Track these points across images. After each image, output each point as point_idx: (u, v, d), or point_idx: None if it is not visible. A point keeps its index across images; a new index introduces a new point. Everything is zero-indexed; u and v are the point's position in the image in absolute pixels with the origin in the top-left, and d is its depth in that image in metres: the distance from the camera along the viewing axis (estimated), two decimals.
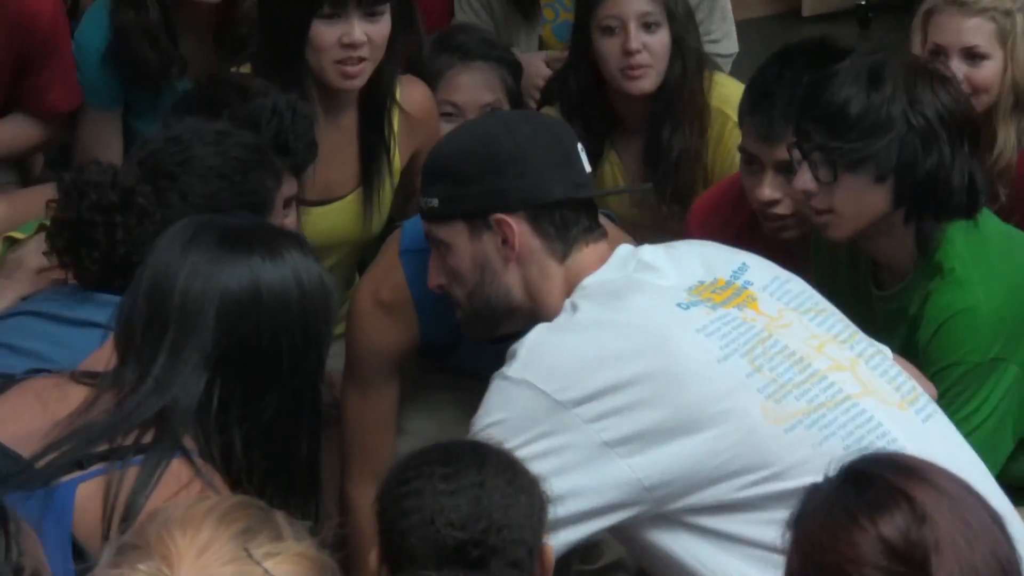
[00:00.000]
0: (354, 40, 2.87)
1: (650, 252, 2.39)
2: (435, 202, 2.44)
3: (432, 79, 3.21)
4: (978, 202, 2.62)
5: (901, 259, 2.66)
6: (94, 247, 2.43)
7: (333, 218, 3.06)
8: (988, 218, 2.70)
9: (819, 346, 2.32)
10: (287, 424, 2.00)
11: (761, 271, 2.43)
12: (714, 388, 2.19)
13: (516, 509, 1.87)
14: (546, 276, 2.40)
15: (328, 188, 2.99)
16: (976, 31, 3.05)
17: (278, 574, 1.31)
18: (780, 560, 1.82)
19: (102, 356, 2.15)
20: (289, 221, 2.64)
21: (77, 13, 3.53)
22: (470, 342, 2.66)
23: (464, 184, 2.40)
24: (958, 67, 2.99)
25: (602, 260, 2.36)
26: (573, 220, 2.39)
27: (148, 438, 1.91)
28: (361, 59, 2.89)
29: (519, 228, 2.37)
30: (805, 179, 2.59)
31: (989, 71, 3.04)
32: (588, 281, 2.32)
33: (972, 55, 3.04)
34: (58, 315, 2.49)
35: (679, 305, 2.25)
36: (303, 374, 2.04)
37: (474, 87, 3.26)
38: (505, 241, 2.37)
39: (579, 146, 2.45)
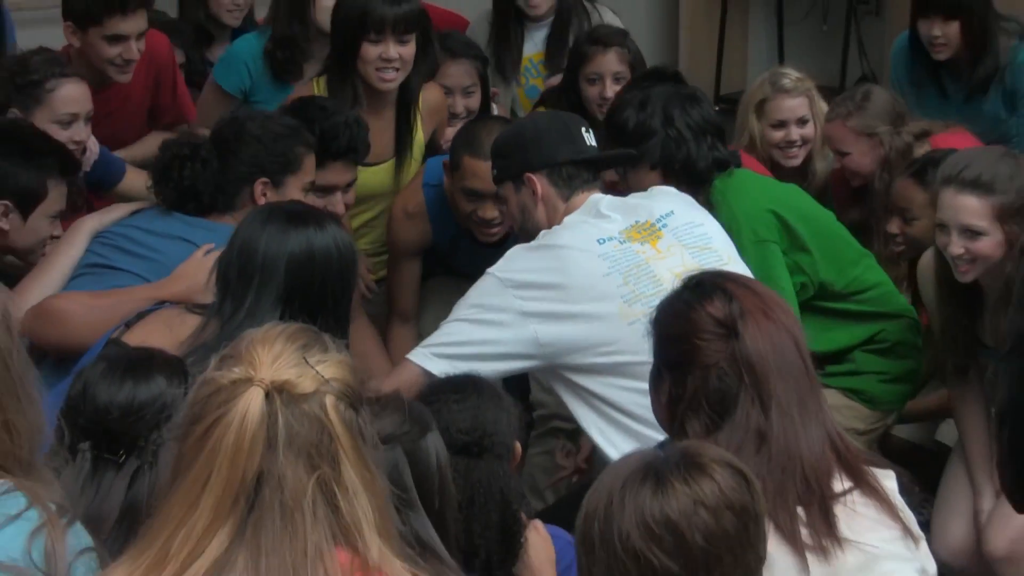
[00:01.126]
0: (389, 56, 4.32)
1: (607, 202, 3.68)
2: (495, 172, 3.83)
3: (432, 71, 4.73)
4: (722, 168, 4.13)
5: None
6: (171, 181, 3.78)
7: (378, 175, 4.52)
8: (741, 172, 4.21)
9: (680, 273, 3.19)
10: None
11: (682, 216, 3.71)
12: (593, 292, 3.49)
13: (500, 422, 2.84)
14: (555, 211, 3.71)
15: (374, 155, 4.37)
16: (800, 106, 4.87)
17: (325, 373, 1.94)
18: (623, 420, 3.40)
19: (187, 273, 3.54)
20: (348, 198, 4.15)
21: (245, 27, 5.47)
22: (463, 248, 4.41)
23: (505, 159, 3.77)
24: (795, 130, 4.85)
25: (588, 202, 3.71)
26: (575, 174, 3.71)
27: None
28: (395, 70, 4.34)
29: (540, 182, 3.70)
30: (611, 172, 4.16)
31: (810, 129, 4.88)
32: (569, 217, 3.64)
33: (801, 121, 4.86)
34: (150, 229, 3.81)
35: (598, 241, 3.54)
36: (339, 304, 3.20)
37: (458, 75, 4.88)
38: (533, 192, 3.68)
39: (584, 128, 3.76)
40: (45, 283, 3.90)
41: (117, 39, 4.62)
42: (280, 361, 2.01)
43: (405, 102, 4.57)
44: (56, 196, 4.05)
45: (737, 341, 2.74)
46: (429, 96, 4.66)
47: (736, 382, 2.74)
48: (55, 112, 4.33)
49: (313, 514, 1.98)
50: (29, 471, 2.33)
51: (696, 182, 4.11)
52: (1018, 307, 3.13)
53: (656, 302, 3.06)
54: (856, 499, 2.76)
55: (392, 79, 4.44)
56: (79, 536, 2.32)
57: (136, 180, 4.56)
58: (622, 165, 4.20)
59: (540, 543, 3.10)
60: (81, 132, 4.38)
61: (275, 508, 1.98)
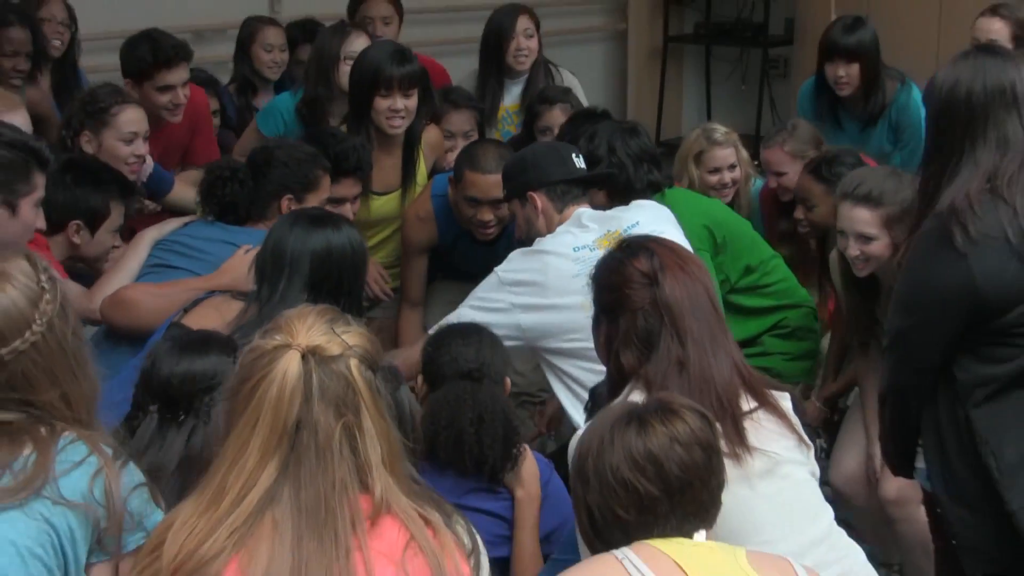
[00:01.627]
0: (397, 108, 4.98)
1: (588, 214, 4.27)
2: (504, 192, 4.46)
3: (436, 117, 5.49)
4: (656, 190, 4.76)
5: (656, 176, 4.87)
6: (215, 197, 4.40)
7: (389, 202, 5.21)
8: (673, 191, 4.89)
9: None
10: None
11: (647, 226, 4.15)
12: (563, 289, 4.05)
13: (496, 358, 3.55)
14: (552, 221, 4.29)
15: (384, 186, 5.12)
16: (730, 155, 5.52)
17: (349, 341, 2.29)
18: (582, 392, 3.78)
19: (232, 268, 4.07)
20: (355, 207, 4.73)
21: (283, 79, 6.37)
22: (462, 246, 5.02)
23: (512, 180, 4.38)
24: (728, 174, 5.49)
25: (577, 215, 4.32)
26: (567, 191, 4.31)
27: None
28: (401, 118, 5.00)
29: (540, 198, 4.30)
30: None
31: (738, 172, 5.52)
32: (560, 227, 4.27)
33: (731, 167, 5.50)
34: (199, 235, 4.40)
35: (573, 248, 4.13)
36: (354, 290, 3.73)
37: (460, 121, 5.62)
38: (535, 206, 4.28)
39: (574, 153, 4.39)
40: (116, 282, 4.39)
41: (166, 89, 5.30)
42: (313, 330, 2.31)
43: (409, 143, 5.18)
44: (116, 214, 4.55)
45: (658, 289, 3.15)
46: (429, 136, 5.29)
47: (658, 322, 3.14)
48: (120, 132, 4.85)
49: (340, 453, 2.27)
50: (87, 429, 2.59)
51: (624, 196, 4.72)
52: (893, 310, 3.69)
53: None
54: (760, 416, 3.16)
55: (399, 125, 5.06)
56: (132, 474, 2.61)
57: (183, 191, 5.19)
58: (602, 183, 4.72)
59: (528, 460, 3.56)
60: (140, 147, 4.90)
61: (311, 448, 2.27)
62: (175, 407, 3.06)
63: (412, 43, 5.83)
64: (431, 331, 3.91)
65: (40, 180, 3.85)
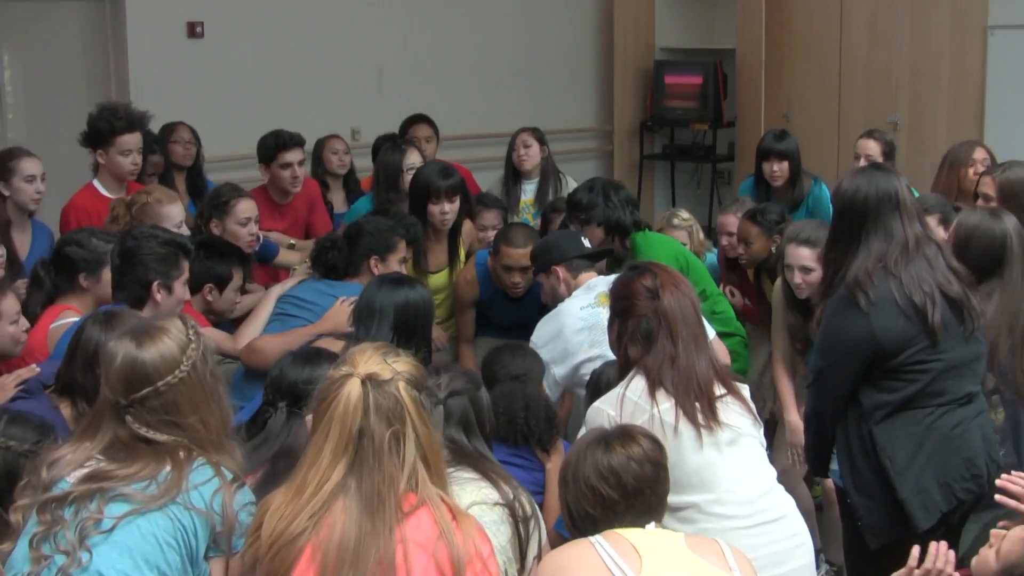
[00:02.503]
0: (444, 211, 5.85)
1: (593, 280, 4.96)
2: (535, 267, 5.22)
3: (472, 214, 6.39)
4: (639, 228, 5.57)
5: (618, 251, 5.62)
6: (321, 261, 5.26)
7: (440, 278, 5.95)
8: (649, 232, 5.71)
9: None
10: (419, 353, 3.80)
11: None
12: (574, 340, 4.77)
13: (535, 367, 4.38)
14: (570, 287, 5.02)
15: (437, 265, 5.94)
16: (683, 236, 6.22)
17: (398, 368, 2.72)
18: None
19: (334, 315, 4.86)
20: (404, 266, 5.36)
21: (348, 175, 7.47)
22: (498, 303, 5.71)
23: (540, 259, 5.15)
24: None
25: (589, 279, 5.00)
26: (580, 264, 5.07)
27: None
28: (448, 218, 5.86)
29: (561, 270, 5.05)
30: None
31: (689, 247, 6.08)
32: (574, 292, 4.96)
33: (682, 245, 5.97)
34: (311, 290, 5.17)
35: (580, 307, 4.85)
36: (425, 334, 4.37)
37: (491, 217, 6.52)
38: (557, 277, 5.04)
39: (582, 236, 5.26)
40: (252, 328, 5.09)
41: (286, 166, 6.46)
42: (370, 361, 2.73)
43: (453, 233, 6.00)
44: (237, 278, 5.19)
45: (658, 301, 3.68)
46: (465, 228, 6.16)
47: (657, 325, 3.67)
48: (237, 218, 5.64)
49: (389, 454, 2.66)
50: (219, 449, 2.97)
51: (624, 234, 5.59)
52: (815, 354, 4.23)
53: (600, 346, 4.45)
54: (728, 399, 3.68)
55: (447, 223, 5.91)
56: (245, 495, 2.96)
57: (286, 256, 6.11)
58: (605, 257, 5.41)
59: (558, 442, 4.09)
60: (254, 228, 5.70)
61: (369, 451, 2.65)
62: (299, 403, 3.47)
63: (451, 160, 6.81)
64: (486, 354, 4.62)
65: (186, 265, 4.52)
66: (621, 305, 3.80)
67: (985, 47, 9.32)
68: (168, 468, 2.88)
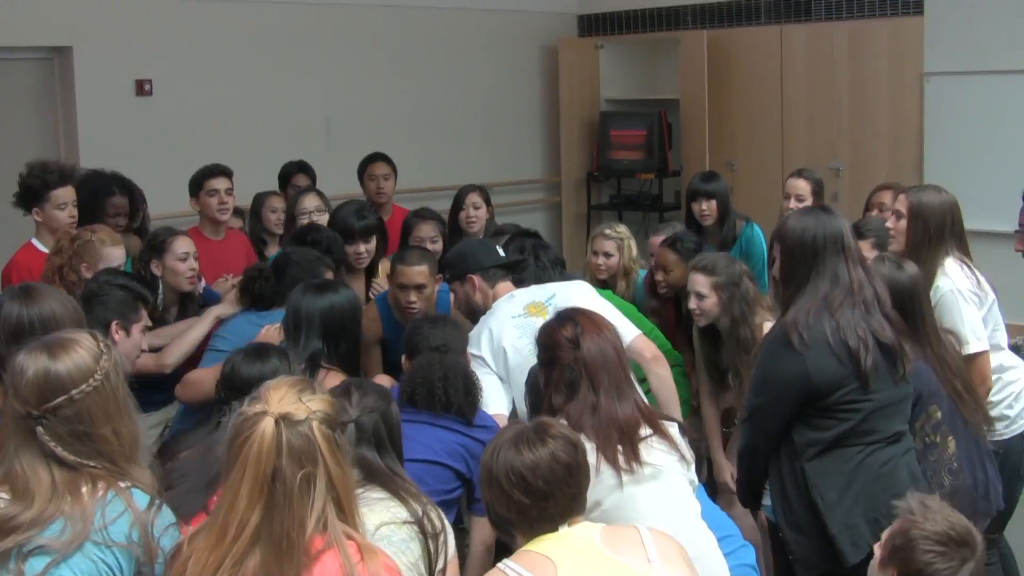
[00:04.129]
0: (359, 251, 5.94)
1: (520, 291, 4.97)
2: (446, 275, 5.20)
3: (407, 232, 6.42)
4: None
5: None
6: (248, 293, 5.31)
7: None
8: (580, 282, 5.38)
9: None
10: (350, 355, 4.57)
11: (562, 297, 4.83)
12: (509, 346, 4.69)
13: (457, 338, 4.46)
14: (486, 296, 5.01)
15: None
16: (611, 247, 6.39)
17: (312, 407, 2.68)
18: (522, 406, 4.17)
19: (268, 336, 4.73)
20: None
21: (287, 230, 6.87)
22: (397, 334, 5.12)
23: (454, 267, 5.12)
24: (603, 259, 6.34)
25: (507, 291, 5.03)
26: (495, 273, 5.05)
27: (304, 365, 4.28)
28: (363, 257, 5.97)
29: (477, 279, 5.03)
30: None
31: (615, 261, 6.37)
32: (495, 303, 4.95)
33: (607, 254, 6.39)
34: (239, 323, 5.21)
35: (512, 316, 4.81)
36: (353, 334, 4.60)
37: (426, 229, 6.34)
38: (472, 286, 5.02)
39: (499, 247, 5.20)
40: (179, 347, 5.26)
41: (213, 193, 6.62)
42: (284, 400, 2.69)
43: (369, 273, 6.10)
44: (143, 315, 4.84)
45: (579, 350, 3.77)
46: (382, 268, 6.12)
47: (578, 375, 3.75)
48: (175, 254, 5.65)
49: (299, 495, 2.63)
50: (131, 462, 2.95)
51: None
52: (750, 391, 4.30)
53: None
54: (653, 440, 3.75)
55: (362, 262, 6.01)
56: (165, 516, 2.92)
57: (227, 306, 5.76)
58: (518, 266, 5.28)
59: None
60: (193, 264, 5.68)
61: (282, 494, 2.61)
62: None
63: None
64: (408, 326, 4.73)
65: (144, 314, 4.62)
66: (545, 355, 3.87)
67: (922, 93, 9.54)
68: (69, 501, 2.85)
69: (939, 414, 4.47)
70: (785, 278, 4.18)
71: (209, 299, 5.91)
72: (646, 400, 3.91)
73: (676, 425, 3.90)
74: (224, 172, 6.77)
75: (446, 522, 3.39)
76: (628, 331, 4.90)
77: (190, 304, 5.72)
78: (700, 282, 5.31)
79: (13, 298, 3.96)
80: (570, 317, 3.88)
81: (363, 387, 3.59)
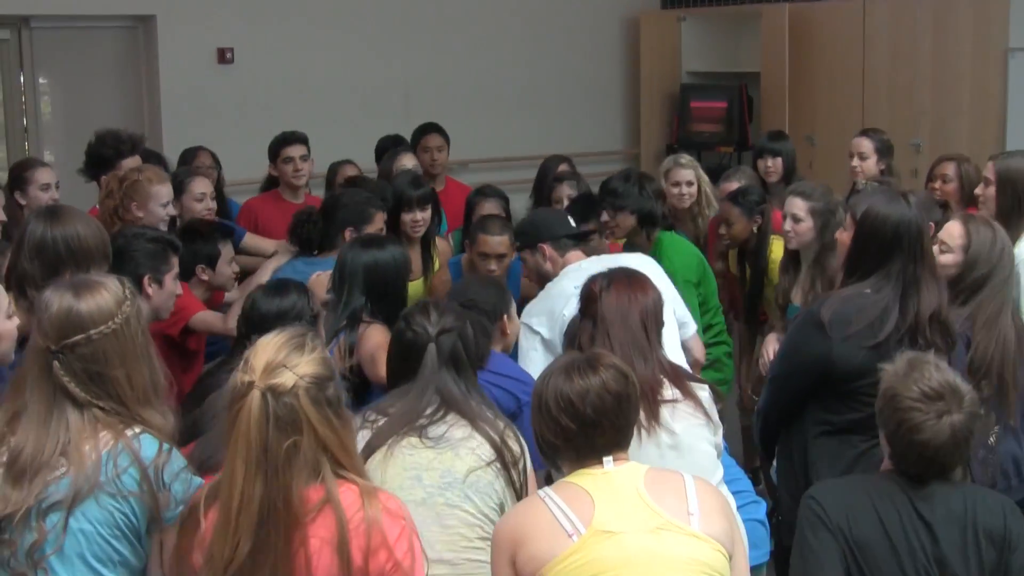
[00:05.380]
0: (416, 219, 5.95)
1: (586, 261, 4.98)
2: (518, 243, 5.30)
3: (471, 211, 6.39)
4: (665, 222, 5.93)
5: (642, 243, 5.86)
6: (297, 236, 5.54)
7: (415, 286, 5.73)
8: (675, 235, 6.02)
9: None
10: (393, 312, 4.25)
11: (624, 264, 4.50)
12: (570, 316, 4.38)
13: (491, 300, 4.35)
14: (556, 265, 5.05)
15: (412, 274, 5.51)
16: (690, 173, 6.67)
17: (299, 372, 2.72)
18: None
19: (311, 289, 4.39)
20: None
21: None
22: None
23: (526, 235, 5.21)
24: (685, 188, 6.62)
25: (576, 259, 5.07)
26: (567, 243, 5.12)
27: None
28: (419, 225, 5.95)
29: (547, 248, 5.10)
30: (606, 217, 5.92)
31: (695, 189, 6.65)
32: (563, 271, 4.97)
33: (689, 183, 6.65)
34: (292, 267, 5.30)
35: (576, 287, 4.35)
36: (397, 292, 4.58)
37: (490, 207, 6.26)
38: (543, 255, 5.08)
39: (569, 217, 5.30)
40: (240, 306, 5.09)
41: (288, 160, 6.87)
42: (269, 369, 2.73)
43: (426, 243, 6.09)
44: (226, 251, 5.45)
45: (598, 304, 3.88)
46: (440, 246, 6.25)
47: (598, 328, 3.86)
48: (192, 195, 6.05)
49: (285, 462, 2.70)
50: (144, 406, 3.02)
51: (653, 224, 5.88)
52: (777, 355, 4.45)
53: None
54: (679, 403, 3.80)
55: (418, 231, 6.00)
56: (176, 461, 3.00)
57: (255, 241, 6.23)
58: (611, 212, 5.74)
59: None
60: (210, 204, 6.06)
61: (275, 462, 2.69)
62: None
63: (476, 183, 7.10)
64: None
65: (175, 260, 4.71)
66: (582, 306, 3.99)
67: (1006, 69, 9.42)
68: (78, 444, 2.94)
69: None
70: (851, 262, 4.20)
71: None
72: (675, 363, 3.94)
73: (707, 388, 3.95)
74: (299, 139, 6.94)
75: (523, 441, 3.47)
76: (690, 326, 5.15)
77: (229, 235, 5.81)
78: (797, 205, 5.44)
79: (39, 217, 4.22)
80: (609, 274, 3.97)
81: (440, 307, 3.69)
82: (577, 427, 3.04)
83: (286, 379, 2.72)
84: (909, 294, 4.09)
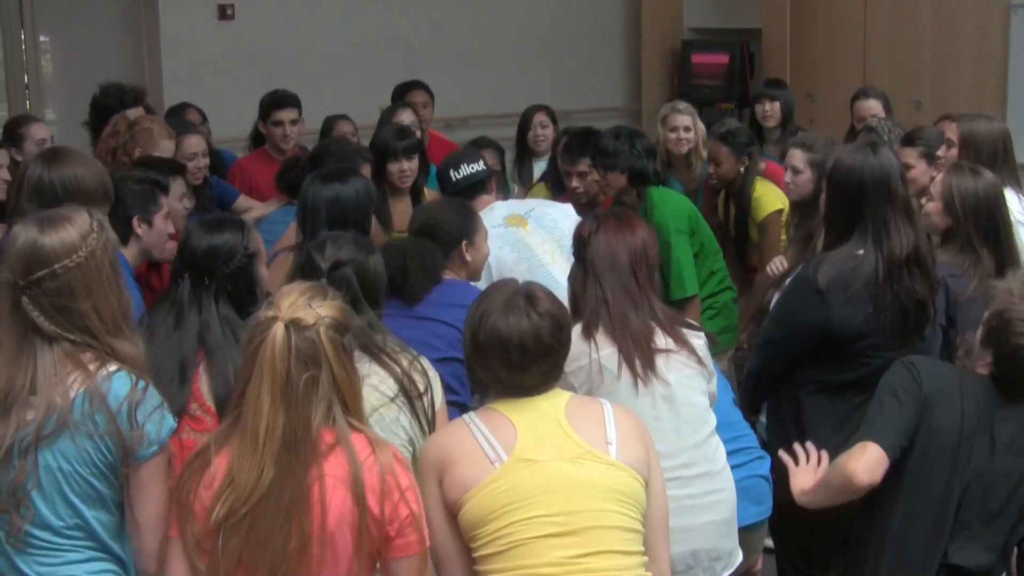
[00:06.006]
0: (403, 168, 5.89)
1: (499, 203, 5.29)
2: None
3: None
4: (658, 180, 5.77)
5: (632, 202, 5.73)
6: (284, 182, 5.67)
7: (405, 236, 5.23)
8: (663, 189, 5.85)
9: (541, 243, 4.99)
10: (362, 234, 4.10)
11: (540, 211, 5.20)
12: (496, 256, 4.76)
13: (451, 222, 4.46)
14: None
15: (402, 224, 5.54)
16: (687, 119, 6.63)
17: (321, 312, 2.81)
18: None
19: (290, 234, 4.73)
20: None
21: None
22: None
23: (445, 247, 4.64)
24: (683, 133, 6.60)
25: (486, 204, 5.21)
26: (465, 193, 5.12)
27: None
28: (406, 175, 5.90)
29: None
30: (595, 175, 5.86)
31: (693, 135, 6.60)
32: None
33: (687, 128, 6.59)
34: (280, 211, 5.60)
35: (491, 227, 4.79)
36: (360, 226, 4.33)
37: (487, 157, 5.97)
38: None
39: (463, 163, 5.45)
40: None
41: (278, 124, 6.81)
42: (295, 306, 2.82)
43: (415, 193, 6.05)
44: (176, 186, 5.02)
45: (587, 248, 3.84)
46: (429, 197, 6.09)
47: (588, 271, 3.82)
48: (184, 153, 5.86)
49: (305, 395, 2.78)
50: (114, 336, 3.04)
51: (645, 182, 5.77)
52: (771, 318, 4.38)
53: (533, 261, 4.92)
54: (673, 352, 3.77)
55: (406, 181, 5.96)
56: (151, 399, 3.04)
57: (247, 202, 6.25)
58: (601, 171, 5.76)
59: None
60: (201, 162, 5.97)
61: (296, 394, 2.77)
62: (202, 274, 3.60)
63: (461, 141, 7.15)
64: None
65: (164, 200, 4.66)
66: (574, 250, 3.97)
67: (1008, 26, 9.34)
68: (50, 380, 2.97)
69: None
70: (828, 219, 4.19)
71: (224, 198, 6.14)
72: (668, 309, 3.93)
73: (703, 336, 3.93)
74: (290, 103, 6.89)
75: (430, 372, 3.49)
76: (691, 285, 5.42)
77: (205, 197, 5.96)
78: (797, 157, 5.47)
79: (39, 160, 4.25)
80: (596, 216, 3.94)
81: (339, 240, 3.65)
82: (507, 371, 3.11)
83: (308, 315, 2.80)
84: (880, 239, 4.08)
